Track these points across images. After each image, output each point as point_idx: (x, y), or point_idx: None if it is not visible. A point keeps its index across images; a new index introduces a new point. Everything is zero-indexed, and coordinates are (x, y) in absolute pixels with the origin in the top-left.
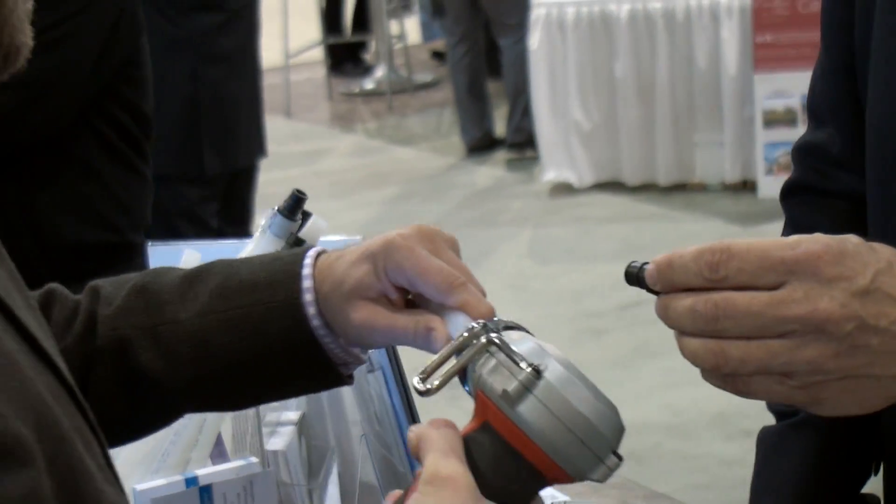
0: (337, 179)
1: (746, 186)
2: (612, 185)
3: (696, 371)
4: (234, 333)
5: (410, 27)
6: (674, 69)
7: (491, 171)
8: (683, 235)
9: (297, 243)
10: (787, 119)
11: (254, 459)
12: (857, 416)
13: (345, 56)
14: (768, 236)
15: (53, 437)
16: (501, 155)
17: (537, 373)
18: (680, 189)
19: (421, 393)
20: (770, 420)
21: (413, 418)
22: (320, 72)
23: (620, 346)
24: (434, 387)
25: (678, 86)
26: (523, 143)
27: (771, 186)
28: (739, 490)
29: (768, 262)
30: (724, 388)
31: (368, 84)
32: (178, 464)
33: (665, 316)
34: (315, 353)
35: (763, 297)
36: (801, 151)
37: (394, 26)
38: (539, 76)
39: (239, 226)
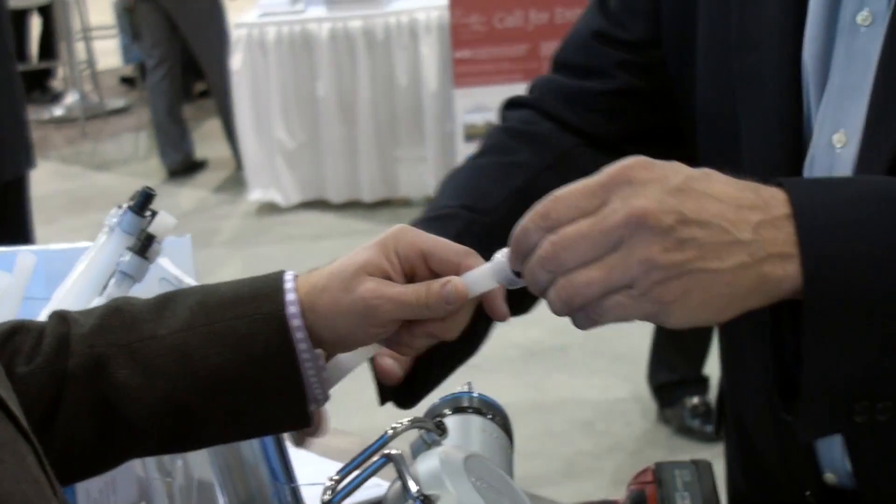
0: (38, 207)
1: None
2: (318, 204)
3: None
4: (217, 346)
5: (100, 52)
6: (375, 87)
7: (195, 193)
8: None
9: (147, 239)
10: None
11: None
12: None
13: (32, 83)
14: None
15: None
16: (203, 177)
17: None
18: (385, 205)
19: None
20: None
21: None
22: None
23: None
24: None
25: (380, 103)
26: None
27: None
28: None
29: (589, 190)
30: (591, 325)
31: (59, 111)
32: None
33: (532, 286)
34: (293, 375)
35: (588, 219)
36: (544, 83)
37: (81, 52)
38: (242, 96)
39: (15, 238)
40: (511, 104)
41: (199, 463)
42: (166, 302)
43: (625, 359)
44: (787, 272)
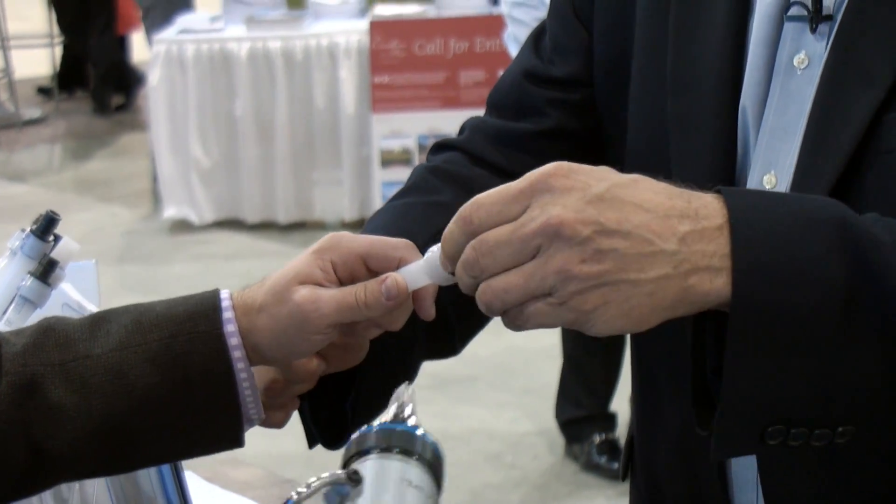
0: None
1: (365, 224)
2: (232, 223)
3: None
4: (153, 365)
5: (18, 61)
6: (293, 108)
7: (108, 207)
8: None
9: (49, 265)
10: (403, 159)
11: None
12: None
13: None
14: None
15: None
16: (117, 192)
17: None
18: (300, 227)
19: None
20: None
21: None
22: None
23: None
24: None
25: (297, 125)
26: None
27: None
28: None
29: (509, 196)
30: (517, 328)
31: None
32: None
33: (462, 287)
34: (229, 394)
35: (508, 226)
36: (474, 124)
37: None
38: (159, 113)
39: None
40: (439, 146)
41: (97, 491)
42: (100, 321)
43: (534, 392)
44: (714, 285)
